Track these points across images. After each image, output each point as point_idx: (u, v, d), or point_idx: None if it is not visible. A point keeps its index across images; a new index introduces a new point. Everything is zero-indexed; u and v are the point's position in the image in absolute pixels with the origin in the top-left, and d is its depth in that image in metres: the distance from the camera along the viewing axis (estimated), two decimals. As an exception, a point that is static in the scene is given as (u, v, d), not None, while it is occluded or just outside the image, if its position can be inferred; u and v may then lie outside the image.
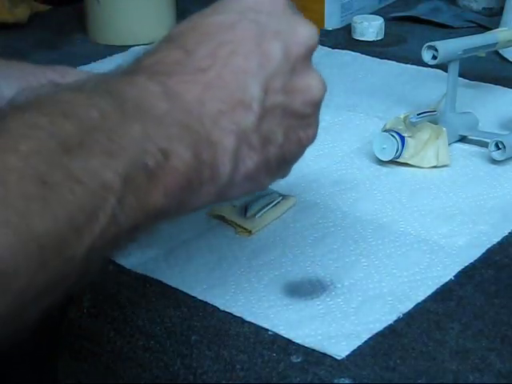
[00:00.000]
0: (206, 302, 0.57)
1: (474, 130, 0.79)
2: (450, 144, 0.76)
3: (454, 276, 0.60)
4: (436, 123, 0.76)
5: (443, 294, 0.58)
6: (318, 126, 0.53)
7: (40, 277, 0.38)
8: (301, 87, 0.50)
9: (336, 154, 0.77)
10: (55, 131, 0.39)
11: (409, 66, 0.96)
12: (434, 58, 0.76)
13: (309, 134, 0.52)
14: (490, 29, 0.91)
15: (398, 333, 0.54)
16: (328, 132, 0.80)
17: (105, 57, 1.02)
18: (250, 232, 0.65)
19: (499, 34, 0.84)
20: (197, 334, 0.54)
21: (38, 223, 0.37)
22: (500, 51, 0.98)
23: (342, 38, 1.07)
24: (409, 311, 0.56)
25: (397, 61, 0.98)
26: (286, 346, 0.53)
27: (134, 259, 0.61)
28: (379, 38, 1.06)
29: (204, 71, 0.47)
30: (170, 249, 0.63)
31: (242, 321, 0.56)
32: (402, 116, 0.75)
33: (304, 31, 0.50)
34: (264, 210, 0.66)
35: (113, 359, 0.53)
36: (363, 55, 1.00)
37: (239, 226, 0.65)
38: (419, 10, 1.14)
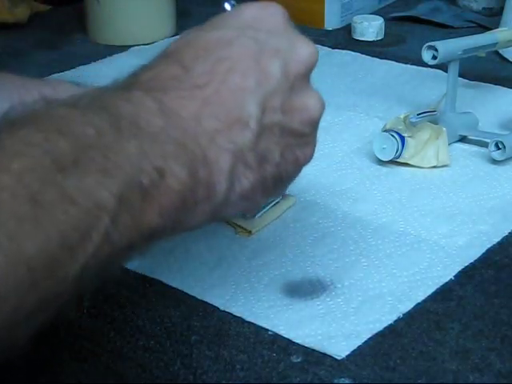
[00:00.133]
0: (205, 302, 0.57)
1: (473, 129, 0.79)
2: (450, 144, 0.76)
3: (454, 276, 0.60)
4: (436, 123, 0.76)
5: (443, 294, 0.58)
6: (315, 145, 0.52)
7: (31, 297, 0.37)
8: (299, 106, 0.49)
9: (336, 154, 0.77)
10: (50, 149, 0.39)
11: (409, 66, 0.96)
12: (434, 58, 0.76)
13: (306, 153, 0.51)
14: (490, 29, 0.91)
15: (397, 333, 0.54)
16: (328, 132, 0.80)
17: (105, 57, 1.02)
18: (249, 232, 0.65)
19: (499, 34, 0.84)
20: (197, 334, 0.54)
21: (30, 245, 0.36)
22: (500, 51, 0.98)
23: (342, 38, 1.07)
24: (409, 311, 0.56)
25: (397, 61, 0.98)
26: (286, 346, 0.53)
27: (133, 259, 0.61)
28: (379, 38, 1.06)
29: (201, 88, 0.46)
30: (169, 249, 0.63)
31: (242, 321, 0.56)
32: (402, 116, 0.75)
33: (303, 50, 0.50)
34: (264, 209, 0.66)
35: (113, 359, 0.53)
36: (363, 55, 1.00)
37: (239, 226, 0.65)
38: (419, 10, 1.14)
